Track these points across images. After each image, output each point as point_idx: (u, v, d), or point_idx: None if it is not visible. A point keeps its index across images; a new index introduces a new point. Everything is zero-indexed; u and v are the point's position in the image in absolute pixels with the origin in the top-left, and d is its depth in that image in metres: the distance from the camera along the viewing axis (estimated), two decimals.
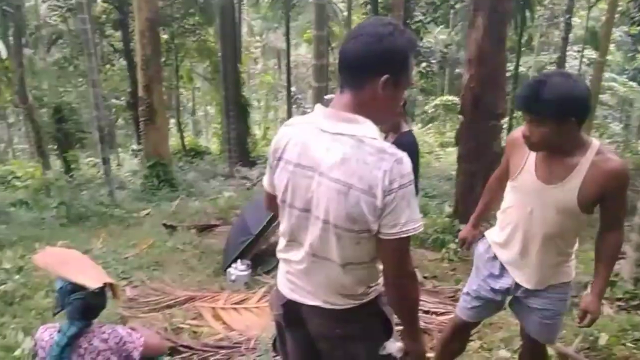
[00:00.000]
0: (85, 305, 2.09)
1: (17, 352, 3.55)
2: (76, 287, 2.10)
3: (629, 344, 3.43)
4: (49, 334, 2.15)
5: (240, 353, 3.50)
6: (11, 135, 22.82)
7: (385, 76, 1.50)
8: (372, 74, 1.51)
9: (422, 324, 3.75)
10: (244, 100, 16.44)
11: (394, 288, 1.66)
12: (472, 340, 3.61)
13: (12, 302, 4.46)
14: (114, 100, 18.66)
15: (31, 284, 4.84)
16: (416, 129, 19.86)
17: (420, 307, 3.90)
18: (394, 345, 1.74)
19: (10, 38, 15.02)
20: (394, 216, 1.50)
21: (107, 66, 17.58)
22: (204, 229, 6.89)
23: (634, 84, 16.85)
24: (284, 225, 1.73)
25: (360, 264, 1.64)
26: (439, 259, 5.61)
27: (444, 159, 15.62)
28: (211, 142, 22.84)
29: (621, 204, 2.13)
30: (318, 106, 1.62)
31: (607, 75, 15.99)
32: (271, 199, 1.81)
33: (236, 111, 15.06)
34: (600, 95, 15.20)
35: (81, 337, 2.12)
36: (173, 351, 3.53)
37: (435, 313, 4.11)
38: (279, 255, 1.83)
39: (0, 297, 4.49)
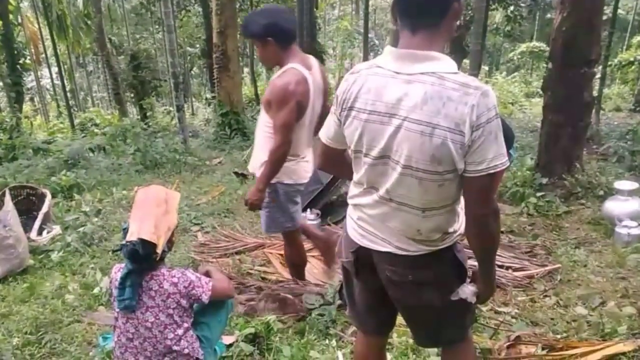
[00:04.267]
0: (132, 252, 2.20)
1: (96, 290, 3.90)
2: None
3: None
4: (120, 273, 2.30)
5: (307, 291, 3.61)
6: (90, 83, 24.14)
7: (455, 4, 1.56)
8: (446, 8, 1.56)
9: (496, 277, 3.77)
10: (319, 48, 16.28)
11: (476, 225, 1.67)
12: (547, 296, 3.75)
13: (90, 243, 4.89)
14: (189, 48, 19.10)
15: (108, 226, 5.31)
16: (500, 77, 19.04)
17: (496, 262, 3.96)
18: (467, 290, 1.80)
19: None
20: (482, 152, 1.51)
21: (183, 12, 17.94)
22: None
23: None
24: (359, 174, 1.75)
25: (440, 208, 1.67)
26: (518, 213, 5.58)
27: (529, 110, 15.17)
28: None
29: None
30: (388, 49, 1.63)
31: None
32: (330, 154, 1.86)
33: None
34: None
35: (152, 280, 2.27)
36: (240, 291, 3.71)
37: (510, 268, 4.16)
38: (352, 201, 1.86)
39: (80, 238, 4.89)
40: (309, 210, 5.06)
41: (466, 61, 12.53)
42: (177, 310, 2.30)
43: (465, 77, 1.53)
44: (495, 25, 14.85)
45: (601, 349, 2.94)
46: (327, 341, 3.12)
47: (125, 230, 2.30)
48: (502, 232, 5.03)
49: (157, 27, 18.16)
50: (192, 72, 22.91)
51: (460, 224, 1.80)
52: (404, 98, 1.54)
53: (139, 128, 9.95)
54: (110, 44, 15.69)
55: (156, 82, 14.34)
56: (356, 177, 1.77)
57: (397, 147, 1.58)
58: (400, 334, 3.02)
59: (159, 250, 2.23)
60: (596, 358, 2.87)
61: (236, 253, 4.54)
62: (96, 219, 5.43)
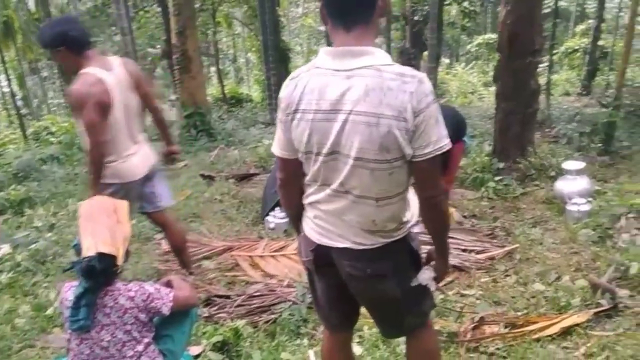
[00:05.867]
0: (88, 269, 2.08)
1: (49, 311, 3.62)
2: None
3: None
4: (72, 292, 2.18)
5: (276, 296, 3.60)
6: (45, 89, 23.27)
7: (380, 2, 1.63)
8: (373, 6, 1.63)
9: (459, 261, 4.04)
10: (284, 45, 16.22)
11: (431, 207, 1.75)
12: (508, 275, 3.89)
13: (43, 260, 4.55)
14: (150, 49, 18.76)
15: (63, 241, 4.95)
16: (460, 68, 19.48)
17: (457, 246, 4.12)
18: (424, 275, 1.89)
19: None
20: (426, 136, 1.59)
21: (141, 13, 17.60)
22: (243, 178, 6.96)
23: None
24: (312, 174, 1.77)
25: (393, 196, 1.73)
26: (479, 198, 5.74)
27: (487, 98, 15.49)
28: (253, 90, 22.87)
29: None
30: (324, 49, 1.68)
31: None
32: (290, 167, 1.85)
33: (276, 57, 14.83)
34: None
35: (106, 296, 2.15)
36: (208, 302, 3.64)
37: (473, 251, 4.28)
38: (307, 200, 1.88)
39: (31, 256, 4.57)
40: (278, 208, 5.04)
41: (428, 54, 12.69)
42: (136, 325, 2.18)
43: (400, 67, 1.60)
44: (451, 20, 15.12)
45: (558, 322, 3.09)
46: (298, 341, 3.12)
47: (77, 247, 2.17)
48: (465, 216, 5.21)
49: (113, 29, 17.77)
50: (156, 73, 22.55)
51: (412, 214, 1.86)
52: (347, 93, 1.59)
53: None
54: None
55: None
56: (309, 177, 1.80)
57: (346, 141, 1.62)
58: (371, 326, 3.06)
59: (120, 262, 2.14)
60: (554, 331, 3.01)
61: (203, 259, 4.43)
62: (49, 234, 5.10)
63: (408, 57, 13.24)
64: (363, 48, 1.61)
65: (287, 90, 1.73)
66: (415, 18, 12.77)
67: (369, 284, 1.85)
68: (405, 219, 1.82)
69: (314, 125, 1.66)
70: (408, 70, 1.59)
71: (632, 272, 3.54)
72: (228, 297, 3.68)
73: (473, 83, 17.65)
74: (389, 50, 13.08)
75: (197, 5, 16.10)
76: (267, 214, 5.13)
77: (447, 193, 4.27)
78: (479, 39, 20.39)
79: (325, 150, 1.67)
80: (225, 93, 18.32)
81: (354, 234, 1.77)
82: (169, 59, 15.53)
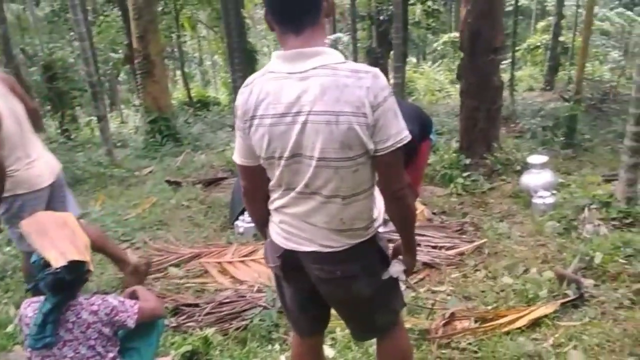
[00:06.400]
0: (57, 282, 2.02)
1: (9, 329, 3.49)
2: (47, 262, 2.05)
3: (621, 260, 3.65)
4: (32, 309, 2.12)
5: (247, 302, 3.55)
6: None
7: (324, 3, 1.65)
8: (320, 6, 1.64)
9: (430, 258, 4.06)
10: (250, 47, 16.18)
11: (396, 201, 1.75)
12: (477, 270, 3.94)
13: (3, 275, 4.39)
14: (112, 54, 18.46)
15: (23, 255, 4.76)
16: (426, 67, 19.77)
17: (428, 243, 4.15)
18: (395, 268, 1.90)
19: None
20: (386, 130, 1.61)
21: (101, 17, 17.30)
22: (211, 183, 6.89)
23: (630, 13, 16.99)
24: (276, 179, 1.76)
25: (359, 194, 1.72)
26: (448, 194, 5.83)
27: (454, 95, 15.54)
28: (220, 92, 22.71)
29: None
30: (276, 53, 1.68)
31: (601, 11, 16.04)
32: (253, 175, 1.83)
33: (242, 59, 14.77)
34: (600, 23, 15.19)
35: (68, 311, 2.09)
36: (176, 311, 3.56)
37: (443, 247, 4.32)
38: (272, 205, 1.86)
39: None
40: (246, 212, 5.00)
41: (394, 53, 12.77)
42: (100, 340, 2.13)
43: (354, 64, 1.61)
44: (416, 19, 15.28)
45: (527, 314, 3.13)
46: (270, 347, 3.08)
47: (37, 263, 2.08)
48: (435, 213, 5.26)
49: (72, 34, 17.39)
50: (120, 78, 22.19)
51: (379, 212, 1.86)
52: (303, 95, 1.59)
53: (57, 143, 9.38)
54: (23, 54, 14.83)
55: (76, 92, 13.67)
56: (273, 181, 1.78)
57: (307, 142, 1.62)
58: (343, 328, 3.03)
59: (92, 268, 2.10)
60: (523, 323, 3.06)
61: (171, 266, 4.35)
62: (8, 248, 4.87)
63: (375, 57, 13.33)
64: (315, 49, 1.62)
65: (243, 98, 1.71)
66: (381, 18, 12.87)
67: (339, 285, 1.84)
68: (373, 216, 1.83)
69: (272, 130, 1.65)
70: (361, 66, 1.61)
71: (597, 262, 3.62)
72: (197, 305, 3.60)
73: (440, 81, 17.85)
74: (355, 50, 13.15)
75: (159, 9, 15.95)
76: (236, 219, 5.08)
77: (415, 190, 4.30)
78: (445, 38, 20.64)
79: (286, 154, 1.66)
80: (192, 96, 18.15)
81: (322, 237, 1.77)
82: (131, 63, 15.33)
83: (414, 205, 1.86)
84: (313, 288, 1.90)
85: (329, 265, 1.79)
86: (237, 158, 1.84)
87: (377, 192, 1.84)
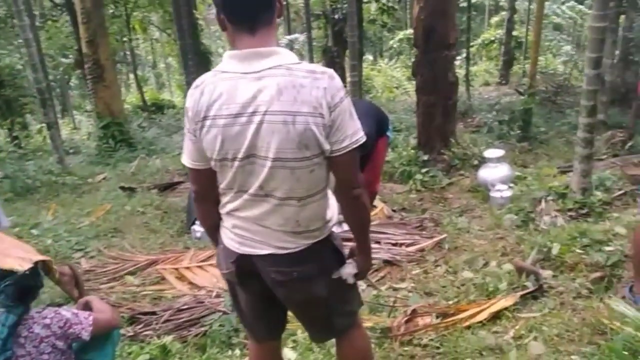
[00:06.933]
0: (19, 290, 1.98)
1: None
2: (4, 273, 1.98)
3: (578, 250, 3.68)
4: None
5: (205, 307, 3.49)
6: None
7: (276, 2, 1.65)
8: (273, 6, 1.64)
9: (390, 256, 4.06)
10: (204, 49, 15.99)
11: (352, 202, 1.76)
12: (438, 265, 3.96)
13: None
14: (62, 59, 17.98)
15: None
16: (383, 64, 19.98)
17: (388, 240, 4.15)
18: (346, 270, 1.88)
19: None
20: (342, 130, 1.62)
21: (49, 22, 16.83)
22: (166, 187, 6.80)
23: (582, 7, 17.65)
24: (227, 180, 1.72)
25: (315, 194, 1.72)
26: (407, 191, 5.89)
27: (412, 92, 15.68)
28: (175, 95, 22.41)
29: None
30: (229, 53, 1.66)
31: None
32: (203, 178, 1.79)
33: (196, 60, 14.58)
34: (553, 17, 15.67)
35: (19, 326, 2.01)
36: (133, 320, 3.48)
37: (404, 244, 4.33)
38: (224, 209, 1.83)
39: None
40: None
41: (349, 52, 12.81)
42: (54, 354, 2.05)
43: (309, 65, 1.63)
44: (371, 17, 15.38)
45: (487, 307, 3.15)
46: (230, 352, 3.02)
47: None
48: (395, 210, 5.28)
49: (21, 40, 16.88)
50: (71, 83, 21.65)
51: (333, 212, 1.85)
52: (259, 94, 1.57)
53: (6, 152, 9.13)
54: None
55: (26, 100, 13.25)
56: (224, 184, 1.75)
57: (262, 142, 1.60)
58: (304, 330, 3.03)
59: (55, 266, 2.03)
60: (483, 317, 3.07)
61: (127, 274, 4.25)
62: None
63: (331, 56, 13.33)
64: (270, 49, 1.61)
65: (193, 99, 1.66)
66: (336, 16, 12.87)
67: (296, 287, 1.82)
68: (328, 217, 1.82)
69: (226, 130, 1.61)
70: (316, 67, 1.62)
71: (554, 253, 3.68)
72: (154, 313, 3.53)
73: (397, 78, 18.08)
74: (311, 50, 13.14)
75: (110, 12, 15.62)
76: (193, 223, 5.00)
77: (374, 188, 4.30)
78: (400, 35, 20.89)
79: (240, 155, 1.63)
80: (146, 100, 17.84)
81: (277, 239, 1.75)
82: (81, 68, 14.97)
83: (369, 206, 1.85)
84: (269, 292, 1.87)
85: (285, 267, 1.77)
86: (187, 161, 1.79)
87: (330, 192, 1.83)
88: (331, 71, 1.62)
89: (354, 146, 1.64)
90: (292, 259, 1.76)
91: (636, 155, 6.28)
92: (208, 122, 1.63)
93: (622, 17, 9.32)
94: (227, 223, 1.83)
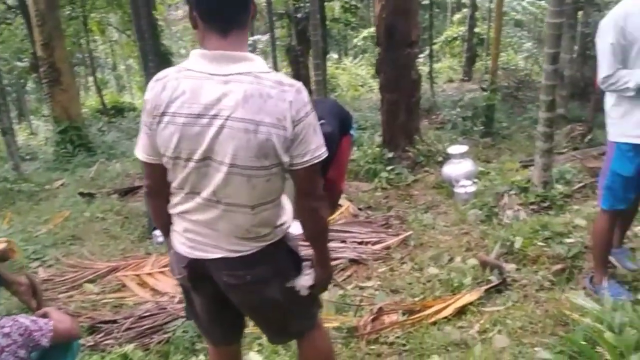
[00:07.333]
0: None
1: None
2: None
3: (540, 243, 3.75)
4: None
5: (168, 314, 3.43)
6: None
7: (251, 5, 1.63)
8: (249, 10, 1.63)
9: (356, 254, 4.05)
10: (165, 49, 15.75)
11: (309, 213, 1.76)
12: (404, 263, 3.98)
13: None
14: (17, 63, 17.53)
15: None
16: (348, 62, 20.08)
17: (354, 239, 4.16)
18: (300, 282, 1.86)
19: None
20: (305, 144, 1.61)
21: (3, 25, 16.38)
22: (127, 192, 6.69)
23: (542, 2, 18.10)
24: (179, 180, 1.69)
25: (268, 202, 1.71)
26: (373, 189, 5.91)
27: (377, 89, 15.81)
28: (136, 97, 22.07)
29: None
30: (197, 51, 1.63)
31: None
32: (156, 173, 1.75)
33: (156, 62, 14.33)
34: (514, 14, 16.04)
35: None
36: (93, 329, 3.41)
37: (370, 242, 4.35)
38: (174, 210, 1.79)
39: None
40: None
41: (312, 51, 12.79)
42: None
43: (278, 75, 1.61)
44: (335, 15, 15.42)
45: (452, 302, 3.19)
46: (194, 358, 2.99)
47: None
48: (360, 208, 5.30)
49: None
50: (27, 87, 21.12)
51: (288, 215, 1.84)
52: (223, 98, 1.55)
53: None
54: None
55: None
56: (175, 183, 1.71)
57: (221, 147, 1.57)
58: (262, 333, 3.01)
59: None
60: (449, 312, 3.11)
61: (87, 282, 4.15)
62: None
63: (295, 55, 13.31)
64: (242, 54, 1.60)
65: (154, 92, 1.63)
66: (299, 15, 12.86)
67: (251, 291, 1.80)
68: (279, 222, 1.80)
69: (185, 129, 1.58)
70: (285, 78, 1.61)
71: (517, 247, 3.73)
72: (115, 321, 3.46)
73: (362, 76, 18.21)
74: (274, 49, 13.09)
75: (66, 13, 15.27)
76: (155, 228, 4.91)
77: (339, 187, 4.30)
78: (364, 33, 20.99)
79: (196, 156, 1.61)
80: (106, 103, 17.49)
81: (228, 242, 1.73)
82: (37, 72, 14.61)
83: (327, 217, 1.85)
84: (223, 296, 1.84)
85: (238, 270, 1.75)
86: (141, 154, 1.75)
87: (285, 198, 1.83)
88: (299, 85, 1.61)
89: (315, 161, 1.64)
90: (245, 262, 1.74)
91: (595, 148, 6.44)
92: (166, 118, 1.60)
93: (581, 12, 9.59)
94: (177, 226, 1.80)
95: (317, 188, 1.74)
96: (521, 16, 17.83)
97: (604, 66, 2.73)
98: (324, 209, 1.79)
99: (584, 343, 2.34)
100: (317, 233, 1.84)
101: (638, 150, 2.77)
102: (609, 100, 2.88)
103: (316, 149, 1.64)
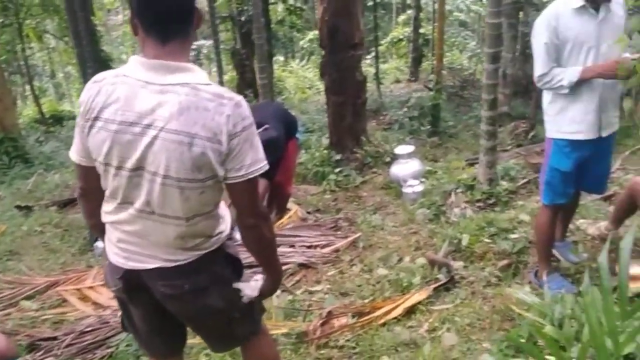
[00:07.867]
0: None
1: None
2: None
3: (486, 240, 3.82)
4: None
5: (111, 328, 3.33)
6: None
7: (197, 13, 1.61)
8: (192, 17, 1.60)
9: (305, 259, 4.04)
10: (104, 55, 15.38)
11: (249, 230, 1.73)
12: (354, 265, 4.00)
13: None
14: None
15: None
16: (295, 65, 20.11)
17: (303, 243, 4.15)
18: (246, 290, 1.84)
19: None
20: (239, 159, 1.58)
21: None
22: (66, 204, 6.43)
23: (485, 1, 18.56)
24: (112, 189, 1.65)
25: (203, 214, 1.69)
26: (321, 192, 5.93)
27: (324, 92, 15.90)
28: (76, 105, 21.42)
29: None
30: (135, 58, 1.60)
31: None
32: (90, 175, 1.70)
33: (95, 68, 13.95)
34: (458, 14, 16.44)
35: None
36: (32, 347, 3.29)
37: (319, 246, 4.35)
38: (107, 219, 1.75)
39: None
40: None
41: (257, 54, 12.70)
42: None
43: (217, 87, 1.58)
44: (279, 18, 15.39)
45: (401, 303, 3.22)
46: None
47: None
48: (309, 212, 5.30)
49: None
50: None
51: (226, 224, 1.82)
52: (158, 108, 1.52)
53: None
54: None
55: None
56: (108, 192, 1.68)
57: (154, 157, 1.55)
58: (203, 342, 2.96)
59: None
60: (398, 312, 3.14)
61: (24, 299, 3.99)
62: None
63: (240, 58, 13.24)
64: (181, 64, 1.56)
65: (89, 94, 1.59)
66: (242, 18, 12.78)
67: (189, 300, 1.76)
68: (216, 232, 1.78)
69: (117, 137, 1.55)
70: (225, 91, 1.58)
71: (464, 244, 3.80)
72: (55, 338, 3.34)
73: (309, 78, 18.22)
74: (218, 53, 12.97)
75: (0, 20, 14.74)
76: (96, 239, 4.78)
77: (268, 217, 4.30)
78: (310, 35, 21.05)
79: (129, 165, 1.58)
80: (44, 112, 16.91)
81: (164, 252, 1.70)
82: None
83: (272, 234, 1.81)
84: (161, 307, 1.80)
85: (175, 280, 1.71)
86: (74, 156, 1.71)
87: (223, 207, 1.81)
88: (239, 98, 1.58)
89: (250, 176, 1.61)
90: (181, 271, 1.71)
91: (538, 144, 6.63)
92: (99, 124, 1.57)
93: (522, 12, 9.90)
94: (112, 236, 1.76)
95: (254, 204, 1.70)
96: (465, 16, 18.30)
97: (539, 65, 2.82)
98: (265, 227, 1.74)
99: (522, 340, 2.39)
100: (259, 249, 1.82)
101: (574, 146, 2.87)
102: (546, 97, 2.98)
103: (252, 164, 1.60)
